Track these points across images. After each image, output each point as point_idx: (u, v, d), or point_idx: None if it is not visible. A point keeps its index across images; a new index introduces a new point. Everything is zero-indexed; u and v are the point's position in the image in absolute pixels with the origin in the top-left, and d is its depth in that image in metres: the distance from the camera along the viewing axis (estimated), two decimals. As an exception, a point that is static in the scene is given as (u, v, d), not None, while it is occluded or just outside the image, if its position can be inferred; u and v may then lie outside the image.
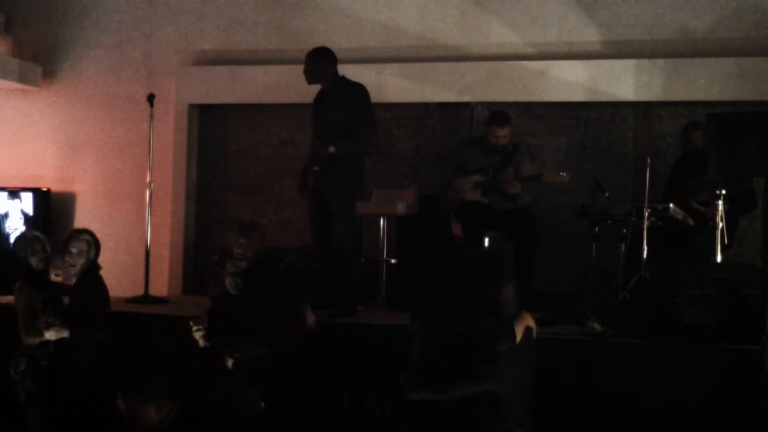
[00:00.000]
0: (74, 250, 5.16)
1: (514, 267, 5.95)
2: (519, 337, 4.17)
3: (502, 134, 6.15)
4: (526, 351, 4.23)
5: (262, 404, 4.59)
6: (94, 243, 5.29)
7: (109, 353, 5.04)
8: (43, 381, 4.90)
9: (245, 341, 4.66)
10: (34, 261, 5.23)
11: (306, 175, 6.05)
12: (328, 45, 6.03)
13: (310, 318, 4.88)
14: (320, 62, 5.87)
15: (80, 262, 5.17)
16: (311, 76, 5.89)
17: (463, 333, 4.15)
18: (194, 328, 4.78)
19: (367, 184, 6.23)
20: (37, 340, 4.95)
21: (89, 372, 4.93)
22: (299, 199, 6.24)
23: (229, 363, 4.67)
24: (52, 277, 5.12)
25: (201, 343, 4.78)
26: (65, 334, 4.94)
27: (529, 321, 4.27)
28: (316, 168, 5.76)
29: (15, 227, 6.96)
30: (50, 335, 4.92)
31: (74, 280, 5.16)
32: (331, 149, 5.70)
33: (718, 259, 5.42)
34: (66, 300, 5.10)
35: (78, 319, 4.97)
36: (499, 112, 6.33)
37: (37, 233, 5.51)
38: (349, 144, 5.77)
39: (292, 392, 5.26)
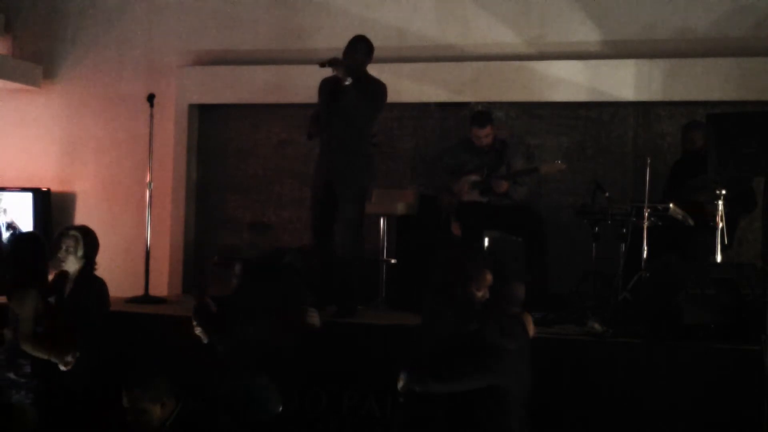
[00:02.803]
0: (63, 246, 5.01)
1: (524, 264, 5.95)
2: (531, 332, 4.21)
3: (483, 134, 6.18)
4: (527, 348, 4.26)
5: (281, 407, 4.62)
6: (84, 239, 5.03)
7: (102, 357, 4.91)
8: (53, 381, 4.75)
9: (236, 338, 4.69)
10: (39, 264, 5.11)
11: (316, 120, 5.95)
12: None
13: (314, 319, 4.89)
14: (362, 50, 5.77)
15: (68, 258, 4.99)
16: (351, 66, 5.67)
17: (475, 333, 4.16)
18: (194, 325, 4.82)
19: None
20: (34, 350, 4.72)
21: (82, 375, 4.79)
22: (310, 137, 6.01)
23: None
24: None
25: (203, 339, 4.83)
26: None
27: (530, 324, 4.32)
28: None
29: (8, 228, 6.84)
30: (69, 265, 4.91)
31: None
32: (349, 80, 5.55)
33: (718, 259, 5.42)
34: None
35: (70, 324, 4.81)
36: (479, 113, 6.37)
37: (37, 234, 5.41)
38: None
39: (292, 392, 5.27)
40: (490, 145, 6.22)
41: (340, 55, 5.78)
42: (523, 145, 6.92)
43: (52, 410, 4.77)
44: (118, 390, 4.02)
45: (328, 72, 5.71)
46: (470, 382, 4.09)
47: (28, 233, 5.31)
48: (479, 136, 6.19)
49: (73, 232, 5.07)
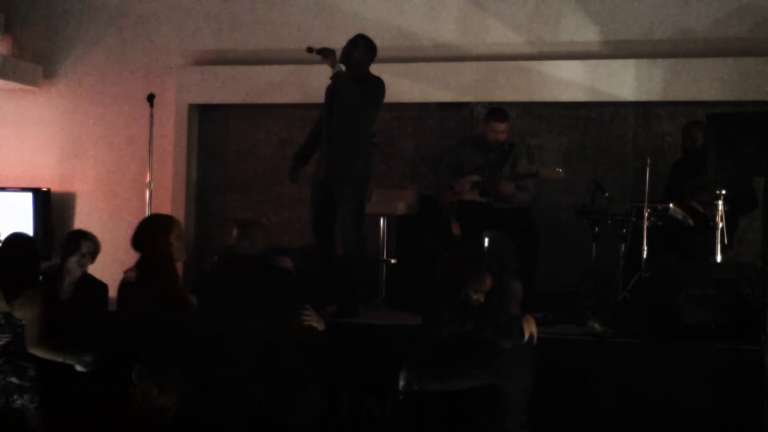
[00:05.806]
0: (84, 250, 5.02)
1: (517, 266, 5.95)
2: (527, 335, 4.20)
3: (501, 129, 6.15)
4: (528, 349, 4.26)
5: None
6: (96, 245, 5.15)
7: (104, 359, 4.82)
8: (57, 384, 4.73)
9: None
10: (34, 265, 5.03)
11: (298, 160, 6.06)
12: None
13: (312, 321, 4.80)
14: (362, 48, 5.78)
15: (87, 262, 5.06)
16: (346, 61, 5.68)
17: (471, 332, 4.16)
18: None
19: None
20: (47, 354, 4.66)
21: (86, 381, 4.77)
22: (293, 179, 6.14)
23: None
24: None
25: None
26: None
27: (533, 326, 4.29)
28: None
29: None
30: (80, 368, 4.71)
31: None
32: (342, 68, 5.58)
33: (718, 259, 5.42)
34: None
35: (69, 337, 4.74)
36: (498, 108, 6.34)
37: (28, 235, 5.34)
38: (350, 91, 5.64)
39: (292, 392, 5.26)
40: (502, 143, 6.20)
41: (338, 53, 5.80)
42: (524, 145, 6.92)
43: (56, 414, 4.73)
44: (120, 391, 4.02)
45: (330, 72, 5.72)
46: (467, 380, 4.12)
47: (19, 234, 5.18)
48: (496, 131, 6.14)
49: (90, 235, 5.12)
